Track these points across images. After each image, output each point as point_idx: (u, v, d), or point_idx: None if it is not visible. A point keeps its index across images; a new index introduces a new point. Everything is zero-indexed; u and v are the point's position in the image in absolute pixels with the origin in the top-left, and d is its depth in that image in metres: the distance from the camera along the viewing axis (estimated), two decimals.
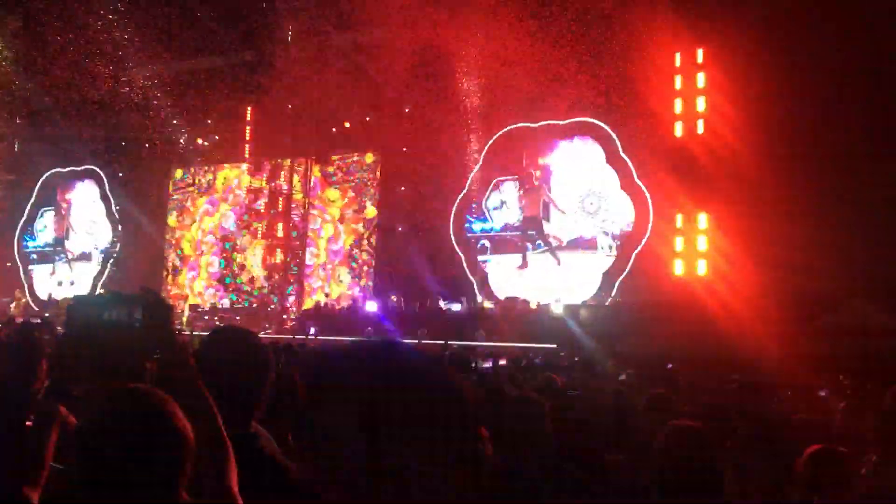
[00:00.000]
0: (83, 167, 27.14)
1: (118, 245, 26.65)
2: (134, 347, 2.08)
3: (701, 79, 17.94)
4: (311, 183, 23.45)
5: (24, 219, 28.38)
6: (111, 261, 26.58)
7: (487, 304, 19.30)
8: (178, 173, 26.69)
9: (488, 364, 10.63)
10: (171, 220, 26.66)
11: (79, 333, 2.27)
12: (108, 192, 27.10)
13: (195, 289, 25.47)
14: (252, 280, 24.05)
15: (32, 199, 28.32)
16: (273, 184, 22.77)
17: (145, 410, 1.76)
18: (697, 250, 17.51)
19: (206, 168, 25.99)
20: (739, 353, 11.71)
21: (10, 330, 11.86)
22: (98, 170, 27.01)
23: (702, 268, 17.37)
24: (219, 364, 2.29)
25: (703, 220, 17.45)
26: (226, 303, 24.16)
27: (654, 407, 4.42)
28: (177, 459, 1.76)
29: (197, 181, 26.33)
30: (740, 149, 16.14)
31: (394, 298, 19.86)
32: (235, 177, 24.95)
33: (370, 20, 20.52)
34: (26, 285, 27.52)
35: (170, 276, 26.03)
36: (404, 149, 22.06)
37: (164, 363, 1.97)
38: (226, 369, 2.29)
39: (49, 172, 27.58)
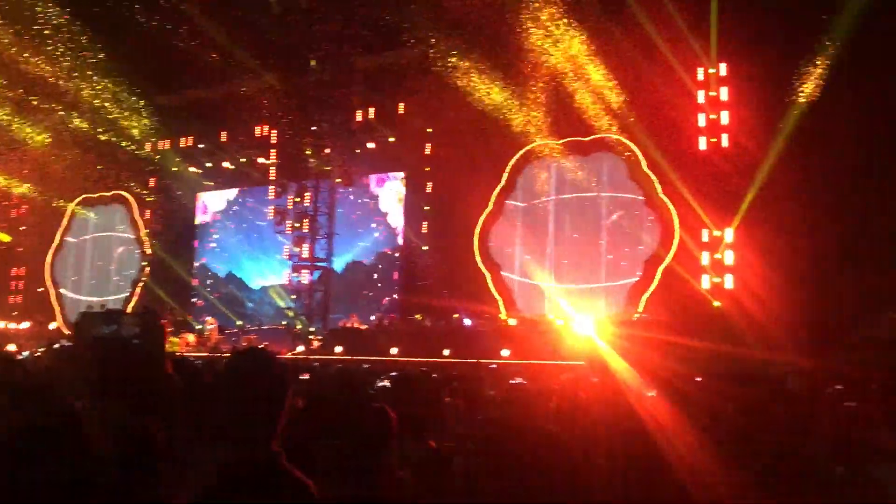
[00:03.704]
0: (112, 192, 27.51)
1: (147, 268, 26.95)
2: (129, 361, 2.11)
3: (724, 93, 17.85)
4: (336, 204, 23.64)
5: (55, 244, 28.84)
6: (140, 284, 26.88)
7: (512, 322, 19.21)
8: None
9: (517, 380, 10.55)
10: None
11: (83, 348, 2.31)
12: (137, 217, 27.49)
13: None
14: None
15: (64, 225, 28.79)
16: (298, 205, 22.91)
17: None
18: (724, 265, 17.34)
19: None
20: (769, 368, 11.52)
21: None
22: (127, 195, 27.41)
23: (729, 282, 17.19)
24: (238, 386, 2.34)
25: (729, 234, 17.29)
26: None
27: None
28: None
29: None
30: (765, 162, 16.02)
31: (419, 317, 19.83)
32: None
33: (393, 42, 20.73)
34: (58, 309, 27.94)
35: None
36: (427, 168, 22.16)
37: (151, 380, 1.99)
38: (245, 391, 2.32)
39: (79, 198, 28.01)
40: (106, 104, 23.39)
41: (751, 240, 16.79)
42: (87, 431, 1.95)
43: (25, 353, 15.24)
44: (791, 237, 15.44)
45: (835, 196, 15.11)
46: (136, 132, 24.58)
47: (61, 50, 21.73)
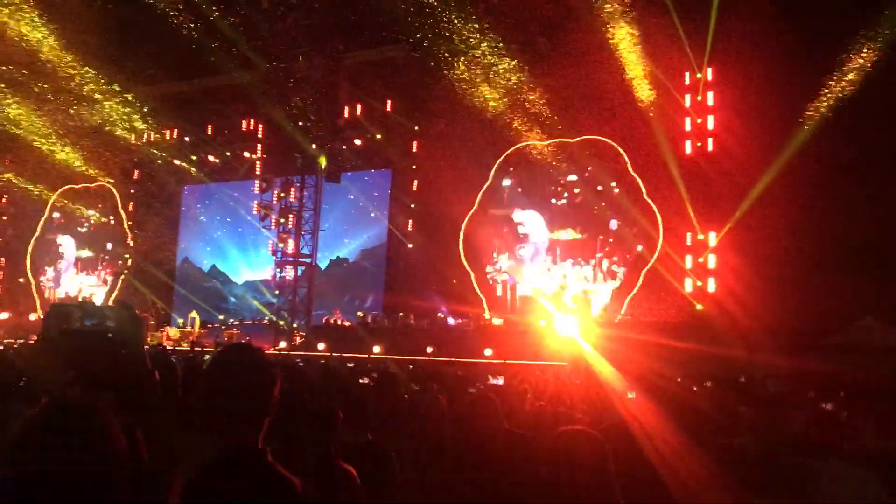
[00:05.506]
0: (96, 184, 27.28)
1: (129, 260, 26.78)
2: (103, 355, 2.09)
3: (711, 97, 17.94)
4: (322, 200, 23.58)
5: (36, 235, 28.58)
6: (122, 275, 26.71)
7: (496, 321, 19.22)
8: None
9: (497, 381, 10.58)
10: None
11: (52, 340, 2.29)
12: (121, 209, 27.29)
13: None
14: None
15: (45, 215, 28.54)
16: (283, 200, 22.86)
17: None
18: (707, 268, 17.44)
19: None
20: (749, 370, 11.61)
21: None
22: (111, 186, 27.18)
23: (711, 285, 17.29)
24: (226, 382, 2.36)
25: (713, 237, 17.38)
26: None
27: None
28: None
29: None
30: (750, 166, 16.11)
31: (401, 315, 19.81)
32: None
33: (382, 39, 20.70)
34: (38, 301, 27.71)
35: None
36: (414, 166, 22.13)
37: (131, 374, 1.98)
38: (233, 387, 2.34)
39: (62, 189, 27.76)
40: (92, 94, 23.19)
41: (734, 244, 16.88)
42: (106, 426, 1.94)
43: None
44: (773, 242, 15.55)
45: (817, 202, 15.22)
46: (121, 123, 24.40)
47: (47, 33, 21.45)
